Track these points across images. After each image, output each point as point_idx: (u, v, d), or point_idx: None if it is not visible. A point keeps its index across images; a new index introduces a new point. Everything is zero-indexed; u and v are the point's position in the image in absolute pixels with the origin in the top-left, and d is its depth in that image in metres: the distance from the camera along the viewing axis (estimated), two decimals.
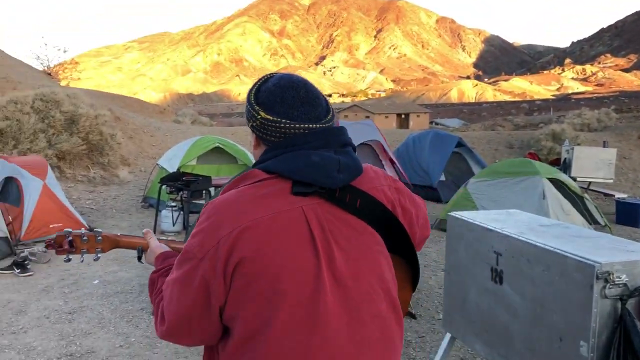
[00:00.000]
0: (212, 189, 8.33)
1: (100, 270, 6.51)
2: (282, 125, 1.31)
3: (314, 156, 1.29)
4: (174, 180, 8.59)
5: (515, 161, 9.01)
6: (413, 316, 4.95)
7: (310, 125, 1.32)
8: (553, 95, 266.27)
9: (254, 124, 1.35)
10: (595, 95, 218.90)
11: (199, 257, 1.24)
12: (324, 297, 1.23)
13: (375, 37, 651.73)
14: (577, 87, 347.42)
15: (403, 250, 1.43)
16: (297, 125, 1.31)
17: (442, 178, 12.21)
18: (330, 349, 1.23)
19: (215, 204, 1.29)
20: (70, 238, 1.75)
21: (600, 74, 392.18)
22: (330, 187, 1.29)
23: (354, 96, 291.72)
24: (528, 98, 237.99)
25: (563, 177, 8.43)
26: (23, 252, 6.94)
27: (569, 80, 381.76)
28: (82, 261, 1.83)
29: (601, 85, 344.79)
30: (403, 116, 75.48)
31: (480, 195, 8.16)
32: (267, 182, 1.29)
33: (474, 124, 54.02)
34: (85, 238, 1.77)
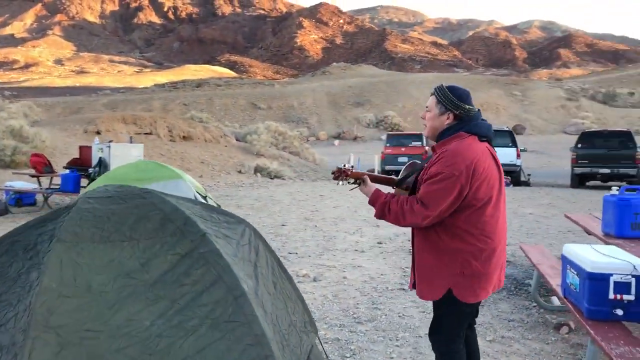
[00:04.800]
0: None
1: None
2: (472, 109, 2.71)
3: (483, 123, 2.72)
4: None
5: (140, 165, 7.50)
6: None
7: (477, 109, 2.75)
8: None
9: (459, 111, 2.69)
10: None
11: (456, 175, 2.54)
12: (502, 188, 2.72)
13: None
14: None
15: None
16: (475, 109, 2.72)
17: None
18: (502, 216, 2.73)
19: (455, 149, 2.61)
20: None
21: None
22: (490, 138, 2.74)
23: None
24: None
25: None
26: None
27: None
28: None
29: None
30: None
31: None
32: (469, 137, 2.66)
33: None
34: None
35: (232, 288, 2.57)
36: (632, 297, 3.42)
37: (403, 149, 20.16)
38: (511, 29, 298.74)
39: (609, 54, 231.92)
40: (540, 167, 26.50)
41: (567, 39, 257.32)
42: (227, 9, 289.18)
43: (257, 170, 17.97)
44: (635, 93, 66.28)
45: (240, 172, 17.60)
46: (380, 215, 2.78)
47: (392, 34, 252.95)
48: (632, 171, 16.68)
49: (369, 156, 27.68)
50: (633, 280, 3.42)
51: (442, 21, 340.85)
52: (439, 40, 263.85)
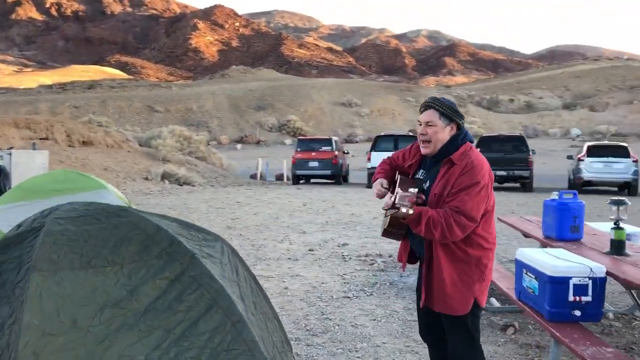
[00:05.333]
0: None
1: None
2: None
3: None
4: None
5: (59, 174, 6.74)
6: None
7: None
8: None
9: (462, 121, 2.77)
10: None
11: (486, 183, 2.64)
12: None
13: None
14: None
15: None
16: None
17: None
18: None
19: (477, 158, 2.67)
20: None
21: None
22: None
23: None
24: None
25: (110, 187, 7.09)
26: None
27: None
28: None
29: None
30: None
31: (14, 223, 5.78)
32: (472, 145, 2.77)
33: None
34: None
35: (229, 313, 2.39)
36: (589, 298, 3.61)
37: (314, 154, 20.31)
38: (401, 37, 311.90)
39: (489, 63, 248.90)
40: None
41: (451, 48, 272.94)
42: (116, 8, 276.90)
43: (165, 176, 17.27)
44: (514, 100, 71.67)
45: (146, 179, 16.82)
46: (426, 231, 2.59)
47: (289, 38, 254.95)
48: (526, 173, 17.93)
49: (274, 160, 27.63)
50: (590, 282, 3.61)
51: (336, 28, 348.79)
52: (334, 47, 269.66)
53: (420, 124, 2.79)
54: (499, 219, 6.64)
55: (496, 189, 18.39)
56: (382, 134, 21.76)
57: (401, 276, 6.50)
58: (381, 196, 2.88)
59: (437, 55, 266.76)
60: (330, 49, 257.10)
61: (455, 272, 2.68)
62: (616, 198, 4.18)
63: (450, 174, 2.66)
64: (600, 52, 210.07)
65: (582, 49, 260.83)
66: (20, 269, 2.21)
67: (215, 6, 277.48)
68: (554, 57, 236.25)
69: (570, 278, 3.61)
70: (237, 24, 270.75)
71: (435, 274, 2.72)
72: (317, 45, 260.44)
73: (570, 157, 19.05)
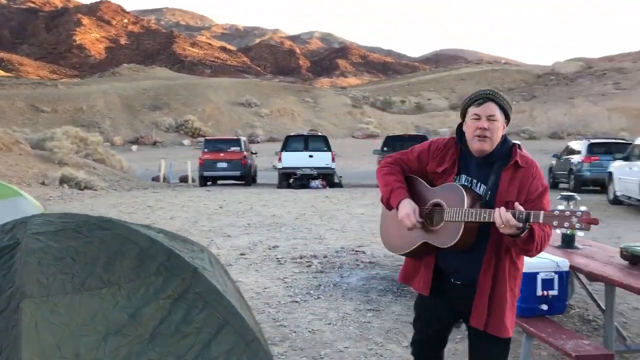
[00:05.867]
0: None
1: None
2: None
3: None
4: None
5: None
6: None
7: None
8: None
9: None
10: None
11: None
12: None
13: None
14: None
15: None
16: None
17: None
18: None
19: (534, 160, 2.43)
20: None
21: None
22: None
23: None
24: None
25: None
26: None
27: None
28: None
29: None
30: None
31: None
32: None
33: None
34: None
35: (242, 332, 2.17)
36: (555, 292, 3.72)
37: (222, 154, 19.82)
38: (295, 38, 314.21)
39: (379, 65, 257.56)
40: (342, 169, 28.26)
41: (343, 50, 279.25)
42: None
43: (63, 181, 16.02)
44: (405, 101, 74.72)
45: (43, 183, 15.52)
46: (535, 249, 2.33)
47: (180, 37, 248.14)
48: None
49: (173, 161, 26.66)
50: (556, 277, 3.73)
51: (230, 27, 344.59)
52: (228, 46, 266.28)
53: (478, 118, 2.37)
54: None
55: None
56: (293, 134, 21.71)
57: (342, 277, 6.44)
58: (415, 228, 2.44)
59: (330, 57, 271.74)
60: (223, 49, 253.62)
61: (506, 288, 2.42)
62: (566, 193, 4.36)
63: (519, 179, 2.37)
64: (480, 57, 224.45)
65: (464, 54, 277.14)
66: (0, 296, 1.85)
67: (101, 2, 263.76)
68: (439, 60, 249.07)
69: (537, 273, 3.71)
70: (126, 20, 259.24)
71: (498, 292, 2.41)
72: (210, 44, 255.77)
73: None
